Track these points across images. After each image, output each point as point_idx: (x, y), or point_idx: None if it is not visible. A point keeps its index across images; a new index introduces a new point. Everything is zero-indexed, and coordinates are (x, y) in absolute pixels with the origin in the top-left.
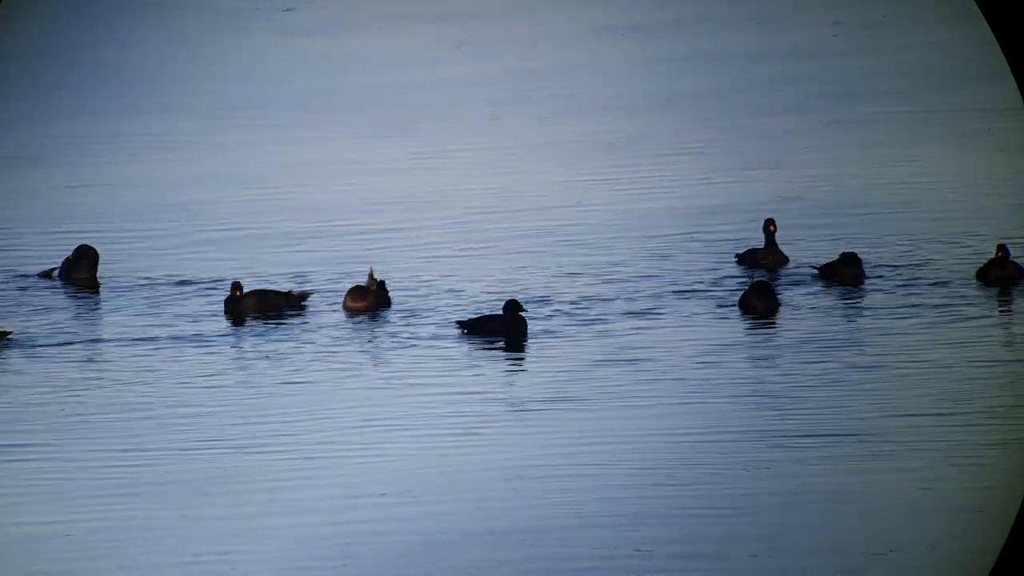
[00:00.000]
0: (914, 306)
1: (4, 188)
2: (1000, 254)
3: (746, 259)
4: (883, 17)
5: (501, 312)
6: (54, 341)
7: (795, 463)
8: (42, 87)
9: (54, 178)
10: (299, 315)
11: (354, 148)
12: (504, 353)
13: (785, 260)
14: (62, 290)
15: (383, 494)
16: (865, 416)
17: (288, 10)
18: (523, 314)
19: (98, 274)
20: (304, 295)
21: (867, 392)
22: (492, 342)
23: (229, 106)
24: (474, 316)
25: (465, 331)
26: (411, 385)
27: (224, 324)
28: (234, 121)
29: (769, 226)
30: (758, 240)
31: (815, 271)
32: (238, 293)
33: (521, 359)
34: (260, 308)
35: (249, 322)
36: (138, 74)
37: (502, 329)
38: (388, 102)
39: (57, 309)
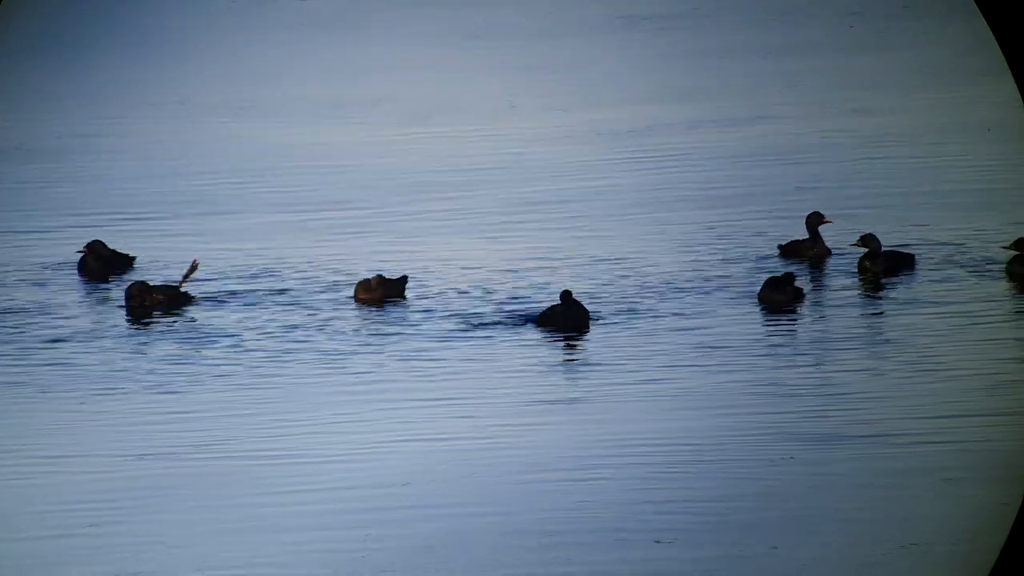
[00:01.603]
0: (937, 302)
1: (22, 180)
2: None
3: (790, 251)
4: (903, 9)
5: (560, 303)
6: (68, 336)
7: (817, 456)
8: (58, 79)
9: (70, 170)
10: (188, 303)
11: (371, 139)
12: (529, 346)
13: (828, 252)
14: (80, 283)
15: (407, 484)
16: (889, 412)
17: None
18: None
19: (133, 263)
20: (191, 269)
21: (892, 389)
22: (523, 335)
23: (245, 97)
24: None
25: (535, 325)
26: (434, 377)
27: (233, 316)
28: (250, 113)
29: (819, 218)
30: (780, 230)
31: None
32: (154, 297)
33: (545, 353)
34: (165, 302)
35: (263, 317)
36: (154, 66)
37: (567, 321)
38: (405, 92)
39: (76, 303)
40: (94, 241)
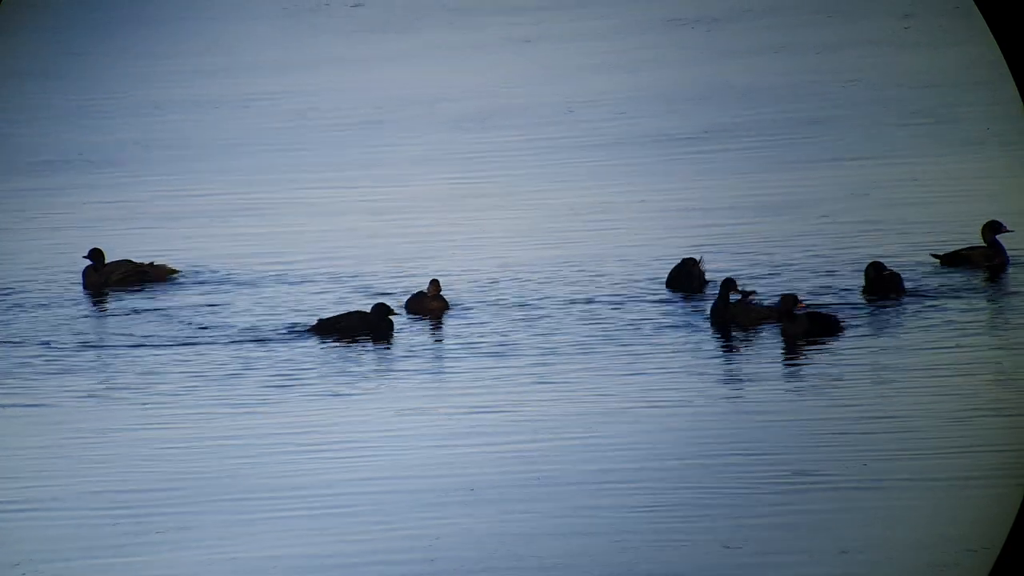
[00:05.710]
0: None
1: (86, 188)
2: None
3: (956, 260)
4: (954, 8)
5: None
6: (102, 343)
7: (888, 459)
8: (117, 87)
9: (128, 179)
10: (163, 284)
11: (425, 145)
12: (584, 354)
13: (1007, 262)
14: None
15: (472, 490)
16: (960, 418)
17: (356, 6)
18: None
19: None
20: (168, 270)
21: (960, 396)
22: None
23: (298, 104)
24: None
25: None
26: (495, 385)
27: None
28: (304, 119)
29: (999, 227)
30: (819, 234)
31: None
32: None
33: (608, 364)
34: (124, 279)
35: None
36: (208, 71)
37: (813, 328)
38: (459, 97)
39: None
40: (93, 249)
